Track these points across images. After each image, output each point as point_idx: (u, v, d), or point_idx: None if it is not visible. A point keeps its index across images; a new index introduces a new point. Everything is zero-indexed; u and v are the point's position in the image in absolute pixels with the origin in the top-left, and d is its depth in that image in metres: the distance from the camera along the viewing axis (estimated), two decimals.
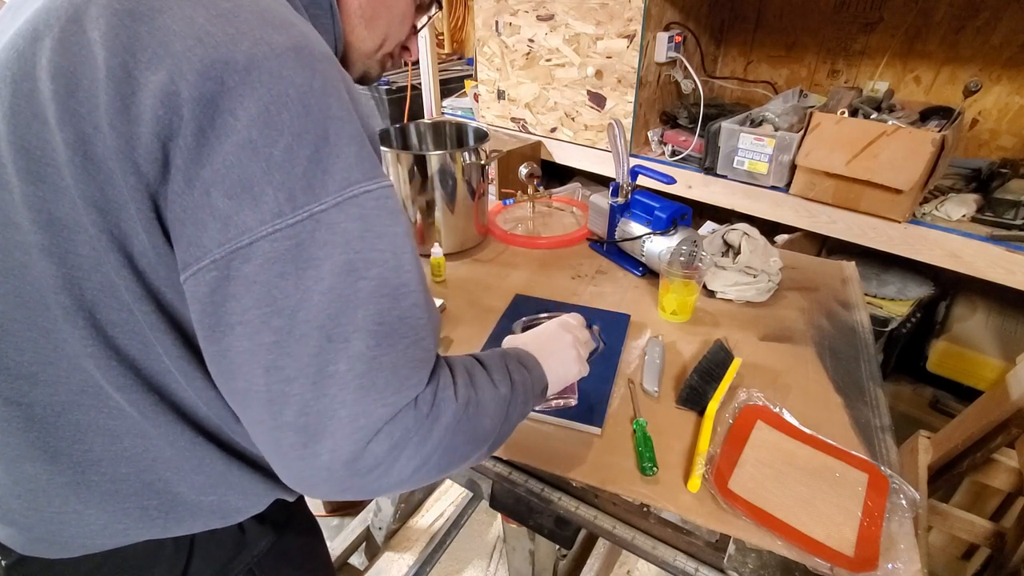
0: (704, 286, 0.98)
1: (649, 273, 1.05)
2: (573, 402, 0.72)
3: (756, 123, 1.41)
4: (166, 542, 0.48)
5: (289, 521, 0.58)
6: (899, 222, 1.24)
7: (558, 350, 0.59)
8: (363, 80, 0.58)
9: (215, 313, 0.35)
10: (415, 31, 0.58)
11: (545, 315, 0.71)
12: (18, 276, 0.38)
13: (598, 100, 1.62)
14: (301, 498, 0.60)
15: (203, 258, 0.34)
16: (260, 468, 0.49)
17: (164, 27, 0.34)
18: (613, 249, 1.11)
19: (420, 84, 1.89)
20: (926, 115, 1.29)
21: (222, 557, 0.51)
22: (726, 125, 1.40)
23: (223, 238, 0.34)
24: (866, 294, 1.34)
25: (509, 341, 0.61)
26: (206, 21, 0.34)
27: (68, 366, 0.40)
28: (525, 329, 0.64)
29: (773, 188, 1.40)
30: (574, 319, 0.65)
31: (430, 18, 0.61)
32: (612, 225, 1.08)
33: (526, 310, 0.92)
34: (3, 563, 0.48)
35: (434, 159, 1.00)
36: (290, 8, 0.40)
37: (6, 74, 0.36)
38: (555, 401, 0.71)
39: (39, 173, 0.36)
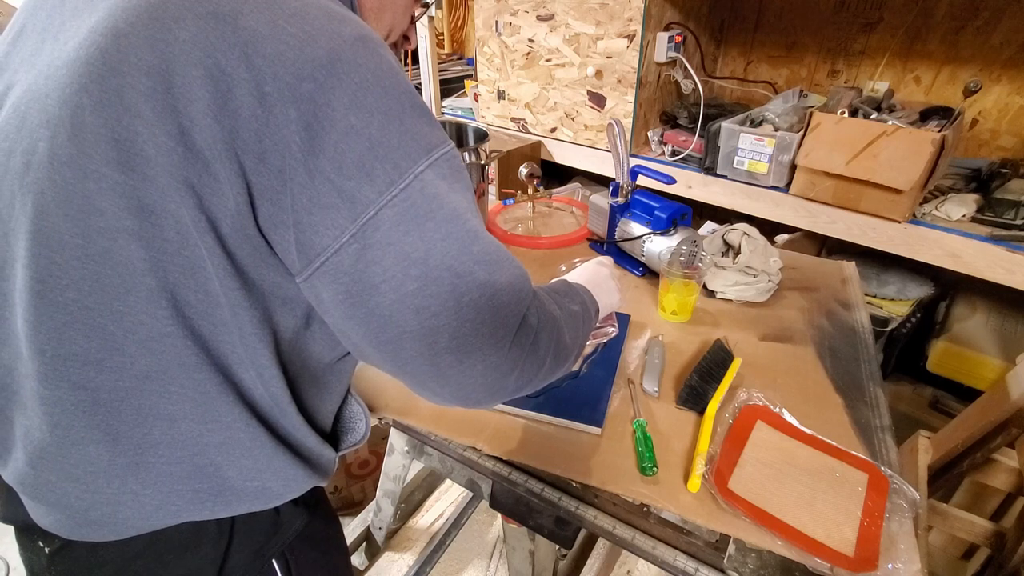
0: (704, 286, 0.98)
1: (649, 273, 1.05)
2: (613, 332, 0.75)
3: (756, 123, 1.41)
4: (209, 524, 0.50)
5: (317, 505, 0.60)
6: (899, 222, 1.24)
7: (601, 281, 0.69)
8: None
9: (361, 280, 0.40)
10: (412, 21, 0.62)
11: (579, 260, 0.78)
12: (99, 262, 0.39)
13: (598, 100, 1.62)
14: (324, 488, 0.62)
15: (342, 235, 0.39)
16: (300, 455, 0.52)
17: (250, 28, 0.37)
18: (613, 249, 1.11)
19: (420, 84, 1.90)
20: (926, 115, 1.29)
21: (259, 539, 0.53)
22: (726, 125, 1.40)
23: (353, 214, 0.39)
24: (866, 294, 1.34)
25: (557, 280, 0.66)
26: (286, 23, 0.38)
27: (135, 351, 0.42)
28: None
29: (773, 188, 1.40)
30: (606, 260, 0.76)
31: (427, 7, 0.64)
32: (612, 225, 1.08)
33: None
34: (47, 550, 0.49)
35: None
36: (337, 3, 0.44)
37: (91, 70, 0.37)
38: (599, 330, 0.75)
39: (130, 163, 0.38)
